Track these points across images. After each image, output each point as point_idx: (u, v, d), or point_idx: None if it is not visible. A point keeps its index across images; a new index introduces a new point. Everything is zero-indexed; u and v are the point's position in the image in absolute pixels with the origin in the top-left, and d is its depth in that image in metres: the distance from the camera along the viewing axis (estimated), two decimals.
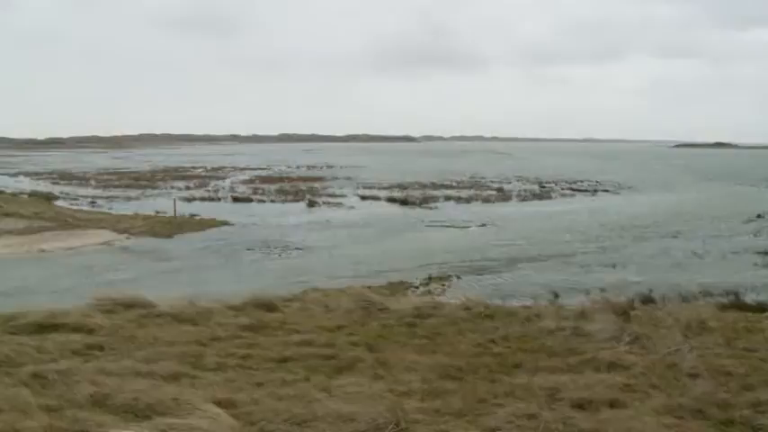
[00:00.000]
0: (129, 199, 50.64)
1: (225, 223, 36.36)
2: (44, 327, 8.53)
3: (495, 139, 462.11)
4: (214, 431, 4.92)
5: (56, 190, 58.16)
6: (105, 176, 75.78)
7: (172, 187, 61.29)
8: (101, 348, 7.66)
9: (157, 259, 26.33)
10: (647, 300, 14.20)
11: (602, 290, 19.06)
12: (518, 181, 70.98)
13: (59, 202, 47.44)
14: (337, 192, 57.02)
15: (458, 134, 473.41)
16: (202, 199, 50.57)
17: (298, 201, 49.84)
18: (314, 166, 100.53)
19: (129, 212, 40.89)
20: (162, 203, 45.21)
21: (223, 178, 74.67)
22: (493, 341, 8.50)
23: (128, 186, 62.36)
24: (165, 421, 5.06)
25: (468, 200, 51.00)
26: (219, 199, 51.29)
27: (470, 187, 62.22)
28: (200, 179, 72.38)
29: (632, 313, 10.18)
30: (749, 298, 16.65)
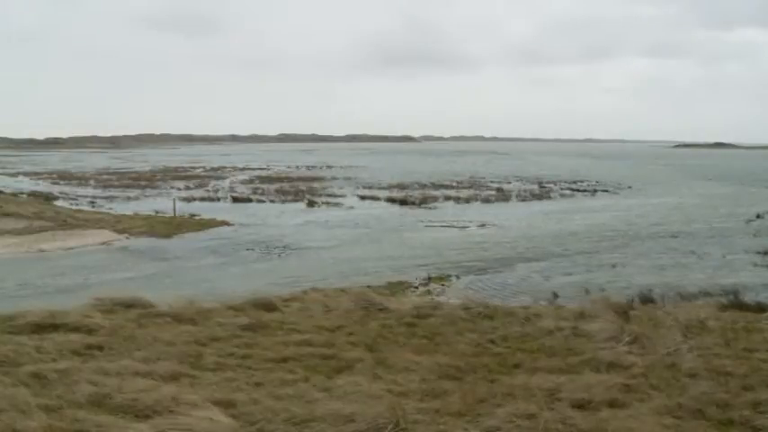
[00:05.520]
0: (128, 199, 50.66)
1: (224, 223, 36.37)
2: (43, 327, 8.52)
3: (494, 139, 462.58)
4: (213, 431, 4.92)
5: (55, 190, 58.19)
6: (105, 176, 75.78)
7: (171, 187, 61.30)
8: (100, 348, 7.64)
9: (157, 259, 26.32)
10: (647, 300, 14.18)
11: (602, 290, 19.11)
12: (517, 181, 71.02)
13: (59, 202, 47.44)
14: (337, 192, 57.03)
15: (457, 134, 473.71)
16: (202, 199, 50.58)
17: (297, 201, 49.86)
18: (313, 167, 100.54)
19: (129, 212, 40.92)
20: (161, 203, 45.24)
21: (222, 178, 74.68)
22: (492, 341, 8.49)
23: (127, 186, 62.37)
24: (165, 421, 5.06)
25: (468, 200, 51.01)
26: (219, 199, 51.30)
27: (470, 187, 62.26)
28: (200, 179, 72.38)
29: (632, 313, 10.18)
30: (749, 298, 16.60)
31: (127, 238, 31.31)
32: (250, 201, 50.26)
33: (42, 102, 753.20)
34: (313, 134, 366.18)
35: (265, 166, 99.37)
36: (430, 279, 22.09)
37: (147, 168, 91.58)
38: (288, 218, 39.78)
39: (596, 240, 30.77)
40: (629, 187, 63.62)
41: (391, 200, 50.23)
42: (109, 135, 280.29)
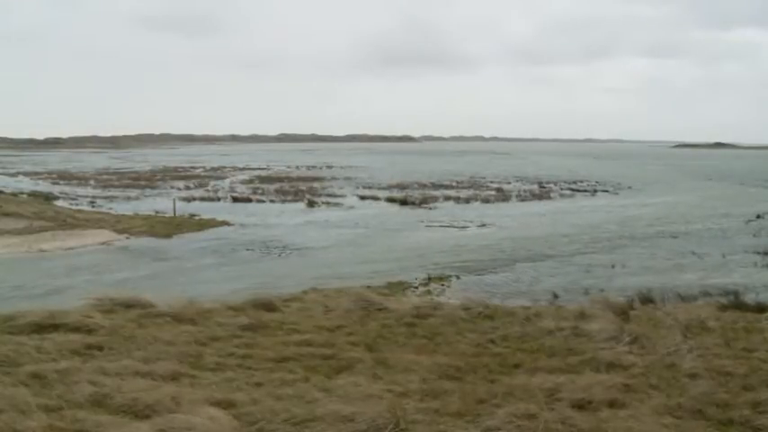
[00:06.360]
0: (128, 199, 50.62)
1: (224, 223, 36.34)
2: (43, 327, 8.52)
3: (494, 139, 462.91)
4: (213, 431, 4.92)
5: (55, 190, 58.16)
6: (105, 176, 75.74)
7: (171, 187, 61.27)
8: (100, 348, 7.65)
9: (157, 259, 26.30)
10: (647, 300, 14.16)
11: (602, 290, 19.10)
12: (517, 181, 70.98)
13: (59, 202, 47.39)
14: (337, 192, 57.00)
15: (457, 134, 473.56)
16: (202, 199, 50.53)
17: (297, 201, 49.82)
18: (313, 167, 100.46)
19: (129, 212, 40.87)
20: (161, 203, 45.21)
21: (222, 178, 74.63)
22: (492, 341, 8.51)
23: (127, 186, 62.33)
24: (165, 421, 5.06)
25: (468, 200, 50.99)
26: (219, 199, 51.26)
27: (470, 187, 62.23)
28: (200, 179, 72.33)
29: (632, 313, 10.21)
30: (749, 298, 16.60)
31: (127, 238, 31.29)
32: (250, 201, 50.22)
33: (42, 102, 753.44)
34: (313, 134, 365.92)
35: (265, 166, 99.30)
36: (430, 279, 22.06)
37: (147, 168, 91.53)
38: (288, 218, 39.76)
39: (595, 240, 30.76)
40: (629, 187, 63.60)
41: (391, 200, 50.19)
42: (109, 135, 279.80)
